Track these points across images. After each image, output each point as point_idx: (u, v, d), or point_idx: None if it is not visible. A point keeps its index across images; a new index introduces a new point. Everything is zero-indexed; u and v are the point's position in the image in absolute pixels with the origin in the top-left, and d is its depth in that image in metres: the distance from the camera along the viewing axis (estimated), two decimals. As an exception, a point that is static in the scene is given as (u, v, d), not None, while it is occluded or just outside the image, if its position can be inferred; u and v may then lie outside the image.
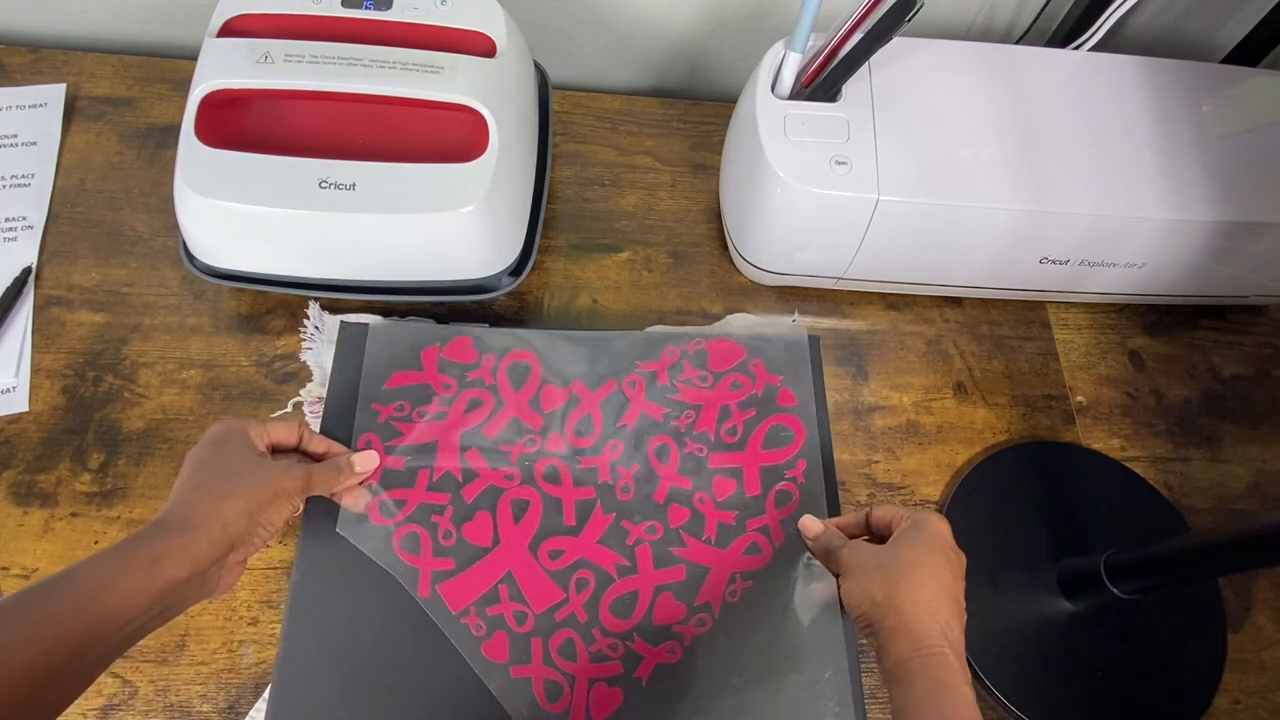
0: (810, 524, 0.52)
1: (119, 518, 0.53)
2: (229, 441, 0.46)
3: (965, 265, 0.62)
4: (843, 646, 0.49)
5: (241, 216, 0.52)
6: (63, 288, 0.61)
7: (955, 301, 0.68)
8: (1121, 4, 0.61)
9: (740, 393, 0.57)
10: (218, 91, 0.53)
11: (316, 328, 0.60)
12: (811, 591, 0.50)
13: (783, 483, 0.55)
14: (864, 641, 0.53)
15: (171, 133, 0.62)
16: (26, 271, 0.60)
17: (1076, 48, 0.64)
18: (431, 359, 0.56)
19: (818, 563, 0.50)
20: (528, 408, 0.56)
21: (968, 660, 0.41)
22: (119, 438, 0.56)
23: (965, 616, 0.43)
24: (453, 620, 0.49)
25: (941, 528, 0.45)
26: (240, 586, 0.52)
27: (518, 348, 0.57)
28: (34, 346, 0.58)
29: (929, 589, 0.42)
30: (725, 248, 0.68)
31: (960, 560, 0.45)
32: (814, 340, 0.61)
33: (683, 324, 0.64)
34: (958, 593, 0.43)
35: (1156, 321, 0.70)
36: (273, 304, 0.61)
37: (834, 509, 0.54)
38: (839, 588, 0.47)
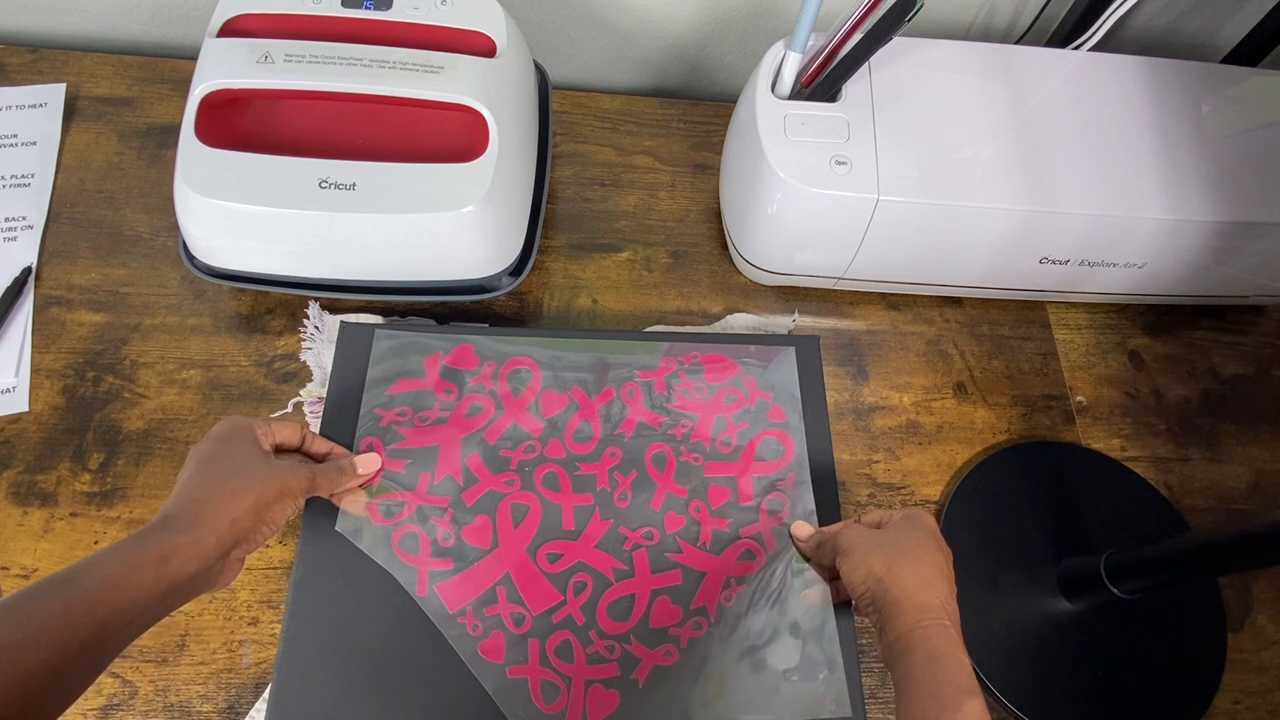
0: (802, 528, 0.53)
1: (119, 518, 0.54)
2: (235, 438, 0.46)
3: (965, 265, 0.62)
4: (837, 648, 0.49)
5: (241, 216, 0.52)
6: (63, 288, 0.61)
7: (955, 301, 0.68)
8: (1121, 4, 0.61)
9: (734, 406, 0.58)
10: (218, 91, 0.53)
11: (316, 328, 0.60)
12: (804, 595, 0.50)
13: (774, 493, 0.55)
14: (864, 641, 0.53)
15: (171, 133, 0.62)
16: (26, 271, 0.60)
17: (1076, 48, 0.64)
18: (434, 366, 0.56)
19: (810, 568, 0.51)
20: (527, 414, 0.56)
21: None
22: (119, 438, 0.56)
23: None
24: (449, 620, 0.49)
25: (931, 520, 0.47)
26: (240, 586, 0.52)
27: (518, 355, 0.58)
28: (34, 346, 0.58)
29: (927, 565, 0.44)
30: (725, 248, 0.68)
31: (949, 552, 0.46)
32: (813, 341, 0.61)
33: (683, 324, 0.64)
34: (951, 576, 0.45)
35: (1156, 321, 0.70)
36: (273, 304, 0.61)
37: (828, 518, 0.54)
38: (838, 572, 0.47)
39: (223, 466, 0.44)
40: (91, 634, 0.35)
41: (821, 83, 0.58)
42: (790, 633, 0.49)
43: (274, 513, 0.44)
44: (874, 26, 0.53)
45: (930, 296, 0.68)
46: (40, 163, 0.65)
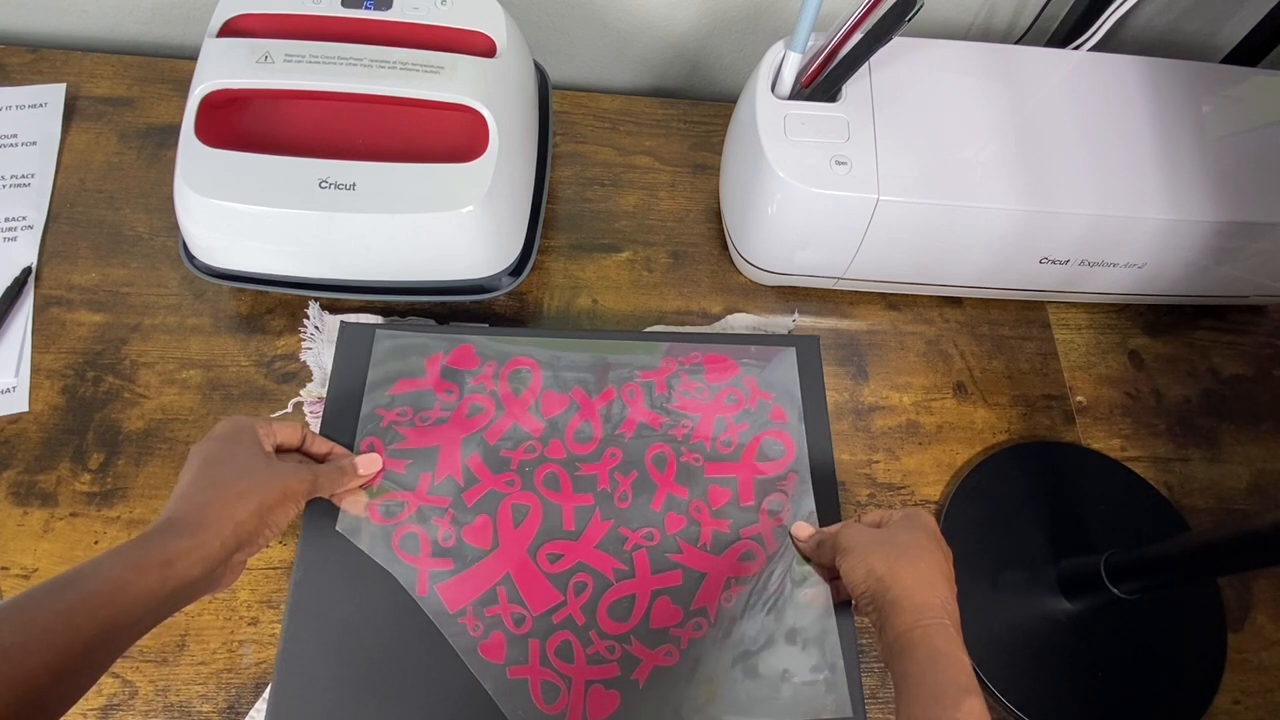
0: (802, 528, 0.53)
1: (119, 518, 0.54)
2: (238, 439, 0.46)
3: (965, 265, 0.62)
4: (838, 648, 0.49)
5: (241, 216, 0.52)
6: (63, 288, 0.61)
7: (955, 301, 0.68)
8: (1121, 4, 0.61)
9: (735, 406, 0.58)
10: (218, 91, 0.53)
11: (316, 328, 0.60)
12: (804, 595, 0.50)
13: (775, 494, 0.55)
14: (864, 641, 0.53)
15: (171, 133, 0.62)
16: (26, 271, 0.60)
17: (1076, 48, 0.64)
18: (435, 366, 0.56)
19: (810, 568, 0.51)
20: (528, 414, 0.56)
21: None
22: (119, 438, 0.56)
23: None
24: (450, 620, 0.49)
25: (931, 520, 0.47)
26: (240, 586, 0.52)
27: (518, 355, 0.58)
28: (34, 346, 0.58)
29: (927, 564, 0.44)
30: (725, 248, 0.68)
31: (949, 552, 0.46)
32: (813, 341, 0.61)
33: (683, 324, 0.64)
34: (951, 575, 0.45)
35: (1156, 321, 0.70)
36: (273, 304, 0.61)
37: (828, 518, 0.54)
38: (838, 572, 0.47)
39: (226, 468, 0.44)
40: (94, 636, 0.35)
41: (821, 83, 0.58)
42: (787, 640, 0.49)
43: (277, 515, 0.44)
44: (874, 26, 0.53)
45: (930, 296, 0.68)
46: (40, 163, 0.65)
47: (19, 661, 0.33)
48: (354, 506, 0.51)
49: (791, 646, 0.49)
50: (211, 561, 0.40)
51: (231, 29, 0.55)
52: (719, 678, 0.48)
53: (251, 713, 0.49)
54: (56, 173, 0.65)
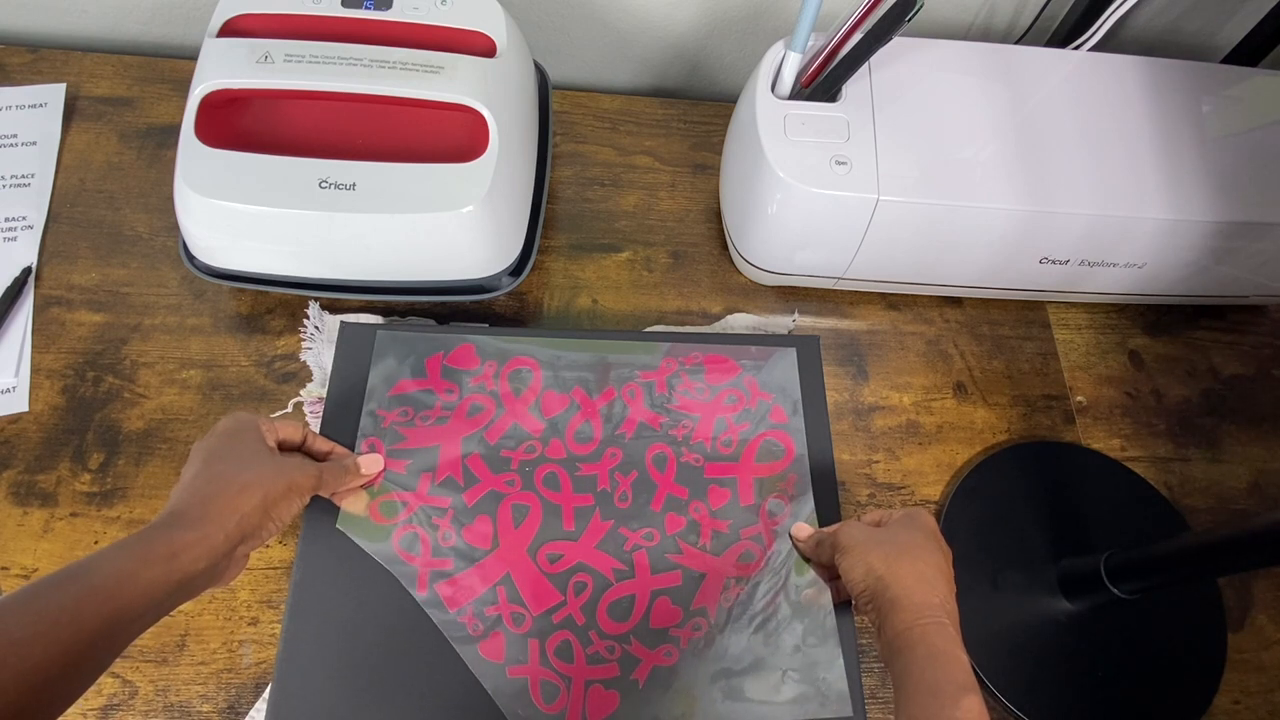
0: (801, 529, 0.53)
1: (119, 518, 0.54)
2: (242, 434, 0.46)
3: (965, 265, 0.62)
4: (838, 649, 0.49)
5: (241, 216, 0.52)
6: (63, 288, 0.61)
7: (955, 301, 0.68)
8: (1121, 4, 0.61)
9: (735, 407, 0.58)
10: (218, 91, 0.53)
11: (316, 328, 0.60)
12: (804, 596, 0.50)
13: (775, 494, 0.55)
14: (864, 641, 0.53)
15: (171, 133, 0.62)
16: (26, 271, 0.60)
17: (1076, 48, 0.64)
18: (435, 366, 0.56)
19: (810, 569, 0.51)
20: (528, 414, 0.56)
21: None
22: (119, 438, 0.56)
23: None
24: (450, 619, 0.49)
25: (930, 520, 0.47)
26: (240, 586, 0.52)
27: (519, 354, 0.58)
28: (34, 346, 0.58)
29: (926, 564, 0.44)
30: (725, 248, 0.68)
31: (949, 551, 0.46)
32: (813, 341, 0.61)
33: (683, 324, 0.64)
34: (950, 575, 0.45)
35: (1156, 321, 0.70)
36: (273, 304, 0.61)
37: (828, 518, 0.55)
38: (838, 572, 0.47)
39: (229, 462, 0.44)
40: (100, 629, 0.35)
41: (821, 83, 0.58)
42: (789, 634, 0.49)
43: (281, 509, 0.44)
44: (874, 26, 0.53)
45: (930, 296, 0.68)
46: (40, 163, 0.65)
47: (26, 654, 0.33)
48: (354, 506, 0.51)
49: (789, 648, 0.49)
50: (215, 554, 0.40)
51: (231, 29, 0.55)
52: (696, 691, 0.49)
53: (251, 713, 0.49)
54: (56, 173, 0.65)
